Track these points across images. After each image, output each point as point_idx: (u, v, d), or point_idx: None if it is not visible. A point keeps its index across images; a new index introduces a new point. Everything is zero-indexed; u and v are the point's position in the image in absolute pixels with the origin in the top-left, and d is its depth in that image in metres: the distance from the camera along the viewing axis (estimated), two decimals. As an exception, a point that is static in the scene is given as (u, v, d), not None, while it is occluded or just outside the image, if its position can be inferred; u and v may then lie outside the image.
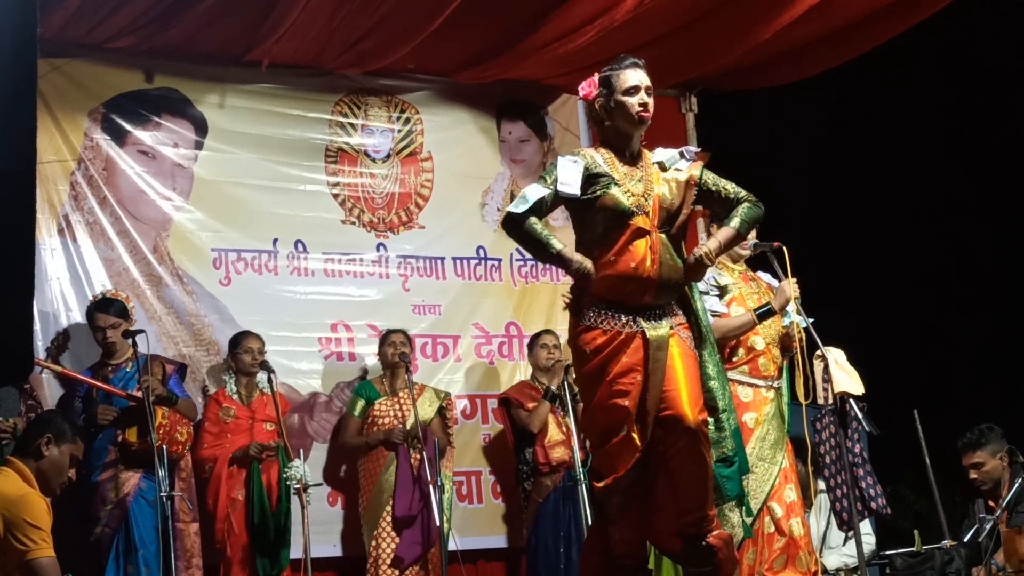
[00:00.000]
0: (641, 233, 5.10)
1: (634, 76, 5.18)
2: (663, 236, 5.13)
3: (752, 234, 6.34)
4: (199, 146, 8.36)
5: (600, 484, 5.15)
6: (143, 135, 8.20)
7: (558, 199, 5.15)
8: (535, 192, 5.13)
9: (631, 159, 5.23)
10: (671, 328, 5.14)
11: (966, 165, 11.17)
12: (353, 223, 8.70)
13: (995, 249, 11.21)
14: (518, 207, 5.12)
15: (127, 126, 8.16)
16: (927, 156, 11.15)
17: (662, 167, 5.24)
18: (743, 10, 8.11)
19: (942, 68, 10.65)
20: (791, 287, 6.15)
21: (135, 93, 8.21)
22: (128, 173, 8.12)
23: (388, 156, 8.91)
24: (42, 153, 7.73)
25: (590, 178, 5.12)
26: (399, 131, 8.95)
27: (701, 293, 6.06)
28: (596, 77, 5.26)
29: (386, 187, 8.85)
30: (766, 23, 8.15)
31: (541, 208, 5.14)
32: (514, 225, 5.17)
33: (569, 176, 5.10)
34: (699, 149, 5.33)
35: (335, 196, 8.69)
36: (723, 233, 5.30)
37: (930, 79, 10.76)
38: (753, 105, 10.00)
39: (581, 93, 5.31)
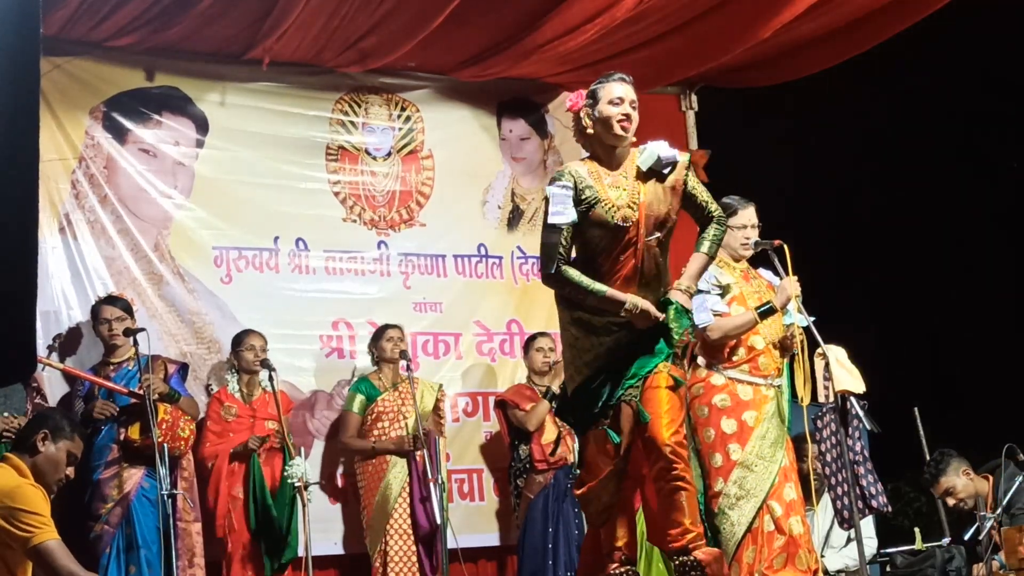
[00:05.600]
0: (628, 244, 5.23)
1: (619, 88, 5.32)
2: (651, 242, 5.22)
3: (755, 233, 6.39)
4: (200, 144, 8.35)
5: (578, 492, 5.41)
6: (144, 133, 8.19)
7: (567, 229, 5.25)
8: (552, 242, 5.23)
9: (616, 168, 5.32)
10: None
11: (973, 163, 11.18)
12: (354, 221, 8.70)
13: (1000, 247, 11.21)
14: (547, 266, 5.25)
15: (128, 124, 8.15)
16: (929, 153, 11.15)
17: (641, 174, 5.31)
18: (743, 8, 8.12)
19: (952, 70, 10.64)
20: (792, 285, 6.17)
21: (136, 91, 8.21)
22: (129, 171, 8.12)
23: (389, 154, 8.91)
24: (43, 151, 7.72)
25: (578, 196, 5.22)
26: (400, 129, 8.95)
27: (702, 292, 6.11)
28: (584, 91, 5.39)
29: (387, 185, 8.85)
30: (766, 21, 8.16)
31: (566, 249, 5.26)
32: (552, 281, 5.31)
33: (559, 207, 5.22)
34: (677, 155, 5.41)
35: (336, 194, 8.69)
36: (697, 262, 5.47)
37: (940, 81, 10.75)
38: (753, 103, 10.00)
39: (568, 104, 5.45)
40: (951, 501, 7.02)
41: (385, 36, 8.10)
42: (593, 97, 5.31)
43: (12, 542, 4.79)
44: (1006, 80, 10.55)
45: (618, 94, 5.28)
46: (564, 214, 5.19)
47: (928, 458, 7.27)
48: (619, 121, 5.26)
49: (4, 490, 4.84)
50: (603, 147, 5.34)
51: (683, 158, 5.44)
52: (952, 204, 11.08)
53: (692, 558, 5.16)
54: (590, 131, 5.34)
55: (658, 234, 5.27)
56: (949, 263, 11.07)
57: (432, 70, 8.96)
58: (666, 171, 5.34)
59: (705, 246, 5.44)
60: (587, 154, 5.48)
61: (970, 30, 9.60)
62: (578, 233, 5.26)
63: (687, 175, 5.40)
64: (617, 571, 5.33)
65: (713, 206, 5.48)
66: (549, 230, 5.24)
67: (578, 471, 5.57)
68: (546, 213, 5.28)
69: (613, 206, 5.21)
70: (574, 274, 5.21)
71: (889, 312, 11.26)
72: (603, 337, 5.25)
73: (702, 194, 5.46)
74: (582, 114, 5.34)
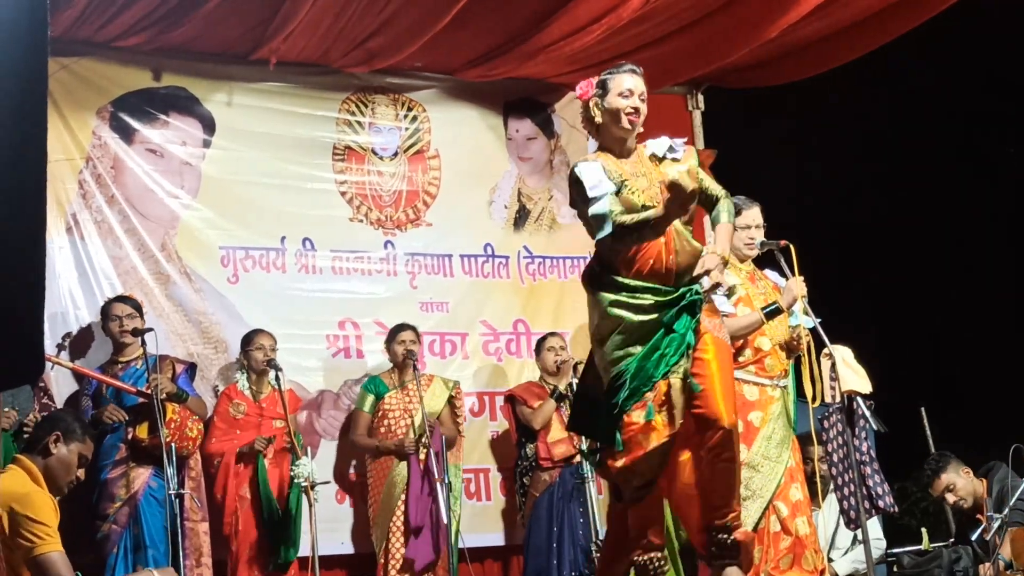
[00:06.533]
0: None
1: (629, 81, 5.25)
2: (676, 224, 5.17)
3: (760, 233, 6.39)
4: (207, 144, 8.37)
5: (619, 464, 5.15)
6: (151, 133, 8.21)
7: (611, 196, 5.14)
8: (603, 207, 5.07)
9: (628, 157, 5.30)
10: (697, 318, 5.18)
11: (974, 164, 11.16)
12: (361, 221, 8.72)
13: (1000, 247, 11.19)
14: (603, 229, 5.06)
15: (135, 124, 8.17)
16: (931, 154, 11.14)
17: (657, 158, 5.31)
18: (749, 8, 8.12)
19: (954, 70, 10.62)
20: (798, 285, 6.17)
21: (143, 91, 8.23)
22: (136, 171, 8.14)
23: (395, 154, 8.92)
24: (50, 152, 7.58)
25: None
26: (406, 129, 8.96)
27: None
28: (594, 79, 5.33)
29: (393, 185, 8.86)
30: (772, 21, 8.16)
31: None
32: (615, 239, 5.09)
33: (594, 179, 5.13)
34: (685, 140, 5.45)
35: (343, 194, 8.70)
36: (724, 231, 5.40)
37: (943, 82, 10.74)
38: (760, 102, 10.00)
39: (578, 92, 5.38)
40: (951, 498, 7.04)
41: (391, 36, 8.11)
42: (603, 87, 5.26)
43: (15, 548, 4.78)
44: (1008, 81, 10.53)
45: (628, 86, 5.22)
46: (601, 185, 5.09)
47: (924, 468, 7.29)
48: (628, 114, 5.21)
49: (14, 495, 4.83)
50: (612, 138, 5.30)
51: (691, 148, 5.46)
52: (953, 204, 11.06)
53: (733, 538, 5.16)
54: (598, 120, 5.30)
55: (680, 216, 5.24)
56: (950, 263, 11.05)
57: (438, 70, 8.97)
58: (677, 155, 5.33)
59: (724, 216, 5.39)
60: (595, 147, 5.46)
61: (973, 31, 9.58)
62: None
63: (697, 166, 5.40)
64: (642, 559, 5.25)
65: (719, 190, 5.45)
66: (593, 203, 5.09)
67: (613, 451, 5.23)
68: (581, 194, 5.13)
69: (638, 189, 5.16)
70: (626, 217, 5.03)
71: (890, 312, 11.24)
72: (649, 315, 5.13)
73: (710, 182, 5.46)
74: (591, 103, 5.29)
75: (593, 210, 5.11)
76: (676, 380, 5.11)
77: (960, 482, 7.03)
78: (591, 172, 5.15)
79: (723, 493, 5.17)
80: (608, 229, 5.06)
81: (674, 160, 5.34)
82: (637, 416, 5.11)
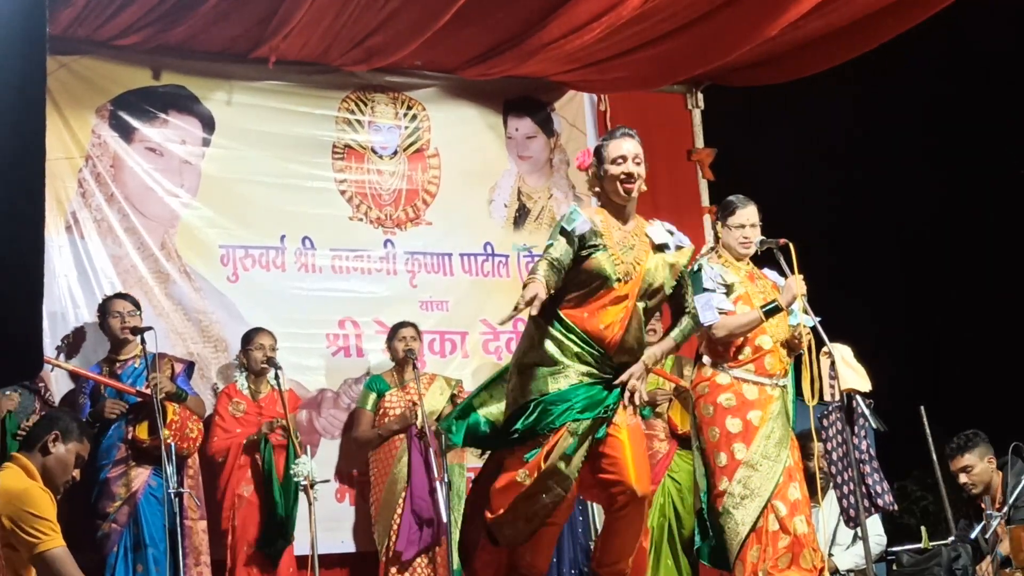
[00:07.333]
0: (619, 300, 5.22)
1: (622, 147, 5.32)
2: (639, 307, 5.25)
3: (756, 232, 6.40)
4: (207, 143, 8.37)
5: (491, 517, 5.32)
6: (151, 132, 8.21)
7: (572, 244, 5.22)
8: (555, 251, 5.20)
9: (625, 224, 5.35)
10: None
11: (975, 164, 11.16)
12: (360, 219, 8.71)
13: (1000, 247, 11.20)
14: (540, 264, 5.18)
15: (135, 123, 8.16)
16: (934, 153, 11.15)
17: (654, 245, 5.37)
18: (750, 6, 8.12)
19: (956, 69, 10.63)
20: (798, 284, 6.18)
21: (143, 90, 8.22)
22: (136, 170, 8.13)
23: (395, 153, 8.92)
24: (50, 150, 7.60)
25: (584, 236, 5.22)
26: (406, 128, 8.96)
27: (707, 291, 6.14)
28: (592, 148, 5.47)
29: (393, 184, 8.86)
30: (772, 19, 8.16)
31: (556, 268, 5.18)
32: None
33: (552, 239, 5.26)
34: (691, 246, 5.55)
35: (342, 193, 8.70)
36: (665, 344, 5.49)
37: (944, 81, 10.75)
38: (759, 101, 10.00)
39: (576, 163, 5.55)
40: (963, 479, 7.01)
41: (391, 35, 8.11)
42: (599, 156, 5.36)
43: (18, 545, 4.78)
44: (1010, 80, 10.54)
45: (621, 152, 5.29)
46: (555, 246, 5.21)
47: (954, 439, 7.24)
48: (621, 181, 5.28)
49: (13, 492, 4.83)
50: (612, 204, 5.38)
51: (689, 247, 5.52)
52: (953, 204, 11.08)
53: None
54: (597, 189, 5.42)
55: (648, 301, 5.31)
56: (950, 263, 11.07)
57: (438, 69, 8.97)
58: (671, 249, 5.39)
59: (675, 332, 5.49)
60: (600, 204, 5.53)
61: (975, 30, 9.59)
62: (570, 274, 5.22)
63: (685, 267, 5.48)
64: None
65: (691, 304, 5.55)
66: (563, 240, 5.23)
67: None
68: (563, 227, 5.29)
69: (619, 259, 5.23)
70: (541, 266, 5.13)
71: (890, 312, 11.25)
72: (574, 364, 5.19)
73: (688, 291, 5.54)
74: (589, 172, 5.41)
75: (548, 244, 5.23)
76: (571, 437, 5.11)
77: (979, 467, 7.00)
78: (570, 214, 5.27)
79: (618, 550, 5.30)
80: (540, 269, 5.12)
81: (667, 249, 5.39)
82: (526, 454, 5.19)
